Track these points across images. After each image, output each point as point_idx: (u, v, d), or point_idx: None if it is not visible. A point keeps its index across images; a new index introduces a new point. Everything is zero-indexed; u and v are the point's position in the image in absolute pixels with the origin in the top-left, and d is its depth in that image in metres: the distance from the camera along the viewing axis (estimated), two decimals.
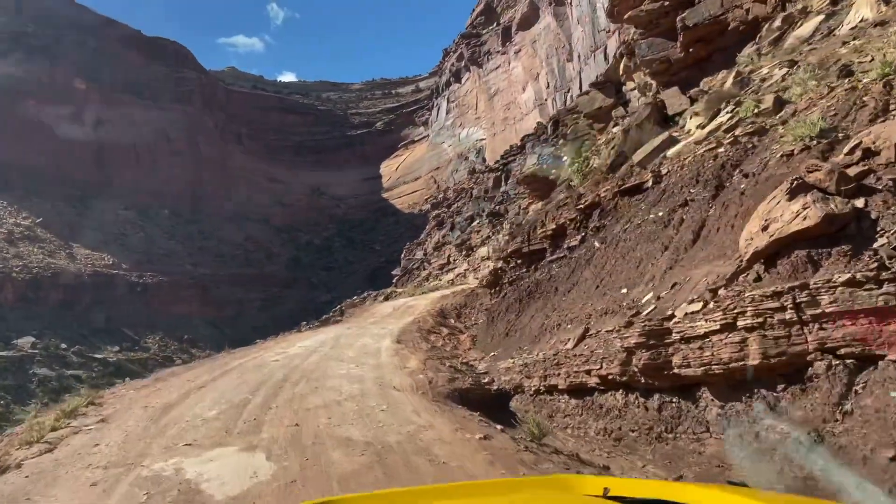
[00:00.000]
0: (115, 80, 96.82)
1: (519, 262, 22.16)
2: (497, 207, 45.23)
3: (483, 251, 39.57)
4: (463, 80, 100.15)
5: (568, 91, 71.87)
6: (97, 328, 63.15)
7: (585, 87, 64.71)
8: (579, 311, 14.99)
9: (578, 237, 18.78)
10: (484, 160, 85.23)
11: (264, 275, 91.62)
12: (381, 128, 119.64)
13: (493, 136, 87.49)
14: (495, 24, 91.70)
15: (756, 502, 2.20)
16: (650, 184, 16.12)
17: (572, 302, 16.09)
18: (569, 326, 14.94)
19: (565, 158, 24.84)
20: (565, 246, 19.38)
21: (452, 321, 26.85)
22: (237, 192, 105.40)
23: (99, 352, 57.75)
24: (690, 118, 17.98)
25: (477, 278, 35.44)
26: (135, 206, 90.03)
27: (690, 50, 22.87)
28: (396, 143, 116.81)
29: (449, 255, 49.54)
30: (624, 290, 13.50)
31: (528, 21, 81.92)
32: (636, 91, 27.49)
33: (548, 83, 77.52)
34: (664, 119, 20.18)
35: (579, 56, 69.16)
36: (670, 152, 16.72)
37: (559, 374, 13.01)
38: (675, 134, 18.00)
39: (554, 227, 20.21)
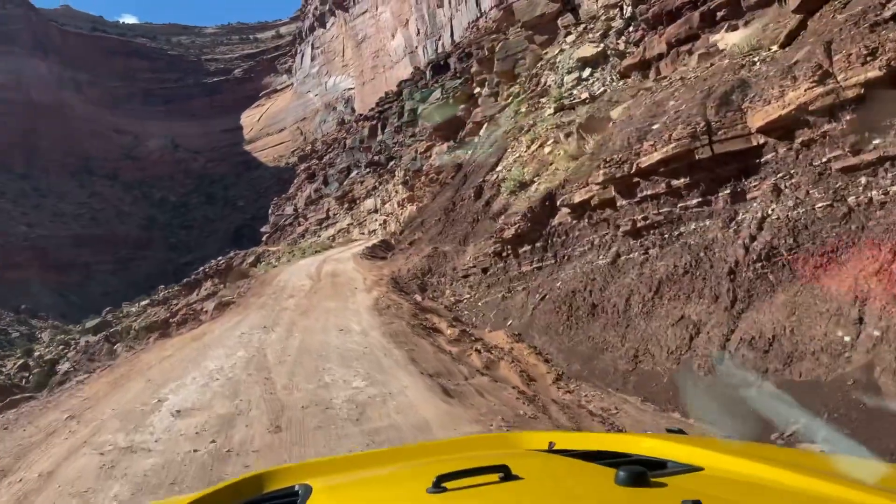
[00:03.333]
0: None
1: (684, 180, 11.76)
2: (377, 157, 42.79)
3: (370, 203, 37.02)
4: (328, 26, 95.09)
5: (439, 38, 69.47)
6: None
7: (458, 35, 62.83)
8: None
9: None
10: (353, 110, 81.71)
11: (114, 235, 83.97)
12: (239, 75, 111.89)
13: (363, 84, 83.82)
14: None
15: (694, 448, 2.07)
16: None
17: None
18: None
19: (478, 90, 21.99)
20: None
21: (418, 297, 17.68)
22: (78, 145, 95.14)
23: None
24: None
25: (363, 233, 33.04)
26: None
27: None
28: (257, 92, 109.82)
29: (328, 210, 46.68)
30: None
31: None
32: None
33: (418, 30, 74.65)
34: None
35: (450, 1, 66.90)
36: None
37: None
38: None
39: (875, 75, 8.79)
